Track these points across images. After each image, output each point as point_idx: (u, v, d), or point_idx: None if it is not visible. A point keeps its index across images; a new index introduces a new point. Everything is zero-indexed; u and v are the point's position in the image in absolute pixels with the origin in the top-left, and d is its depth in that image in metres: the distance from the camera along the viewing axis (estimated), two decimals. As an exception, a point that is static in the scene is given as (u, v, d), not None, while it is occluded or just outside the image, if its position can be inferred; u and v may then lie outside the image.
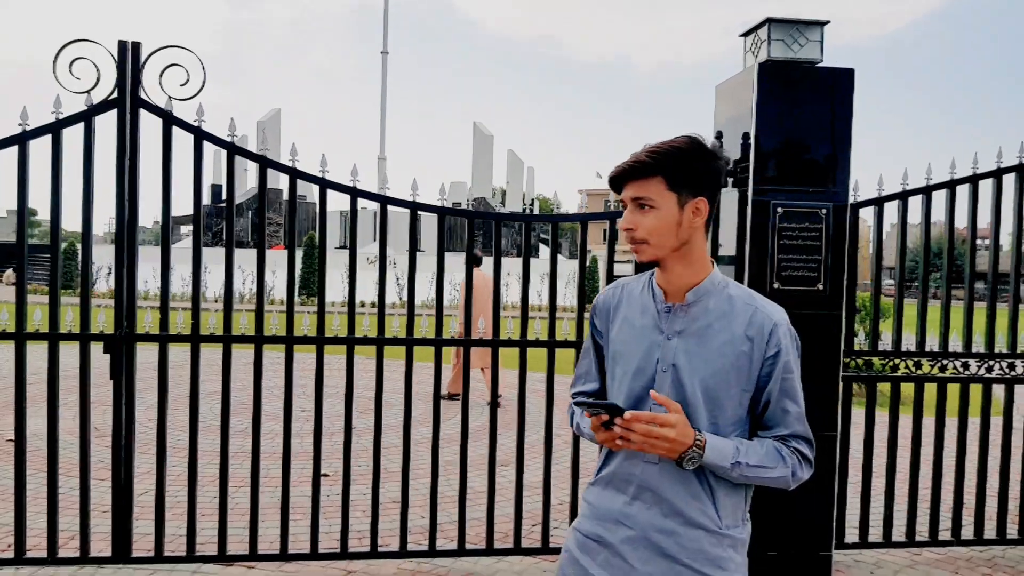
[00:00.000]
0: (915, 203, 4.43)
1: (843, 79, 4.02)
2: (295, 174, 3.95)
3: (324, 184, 3.96)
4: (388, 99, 41.73)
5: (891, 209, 4.43)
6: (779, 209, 4.02)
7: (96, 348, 3.91)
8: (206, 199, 29.78)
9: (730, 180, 4.22)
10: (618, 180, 1.76)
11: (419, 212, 4.05)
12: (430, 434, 4.19)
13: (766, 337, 1.73)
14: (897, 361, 4.44)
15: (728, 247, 4.26)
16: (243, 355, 4.54)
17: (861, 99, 4.12)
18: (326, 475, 4.90)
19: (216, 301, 19.36)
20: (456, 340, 4.19)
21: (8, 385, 3.92)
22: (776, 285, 4.04)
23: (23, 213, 3.86)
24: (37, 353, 3.99)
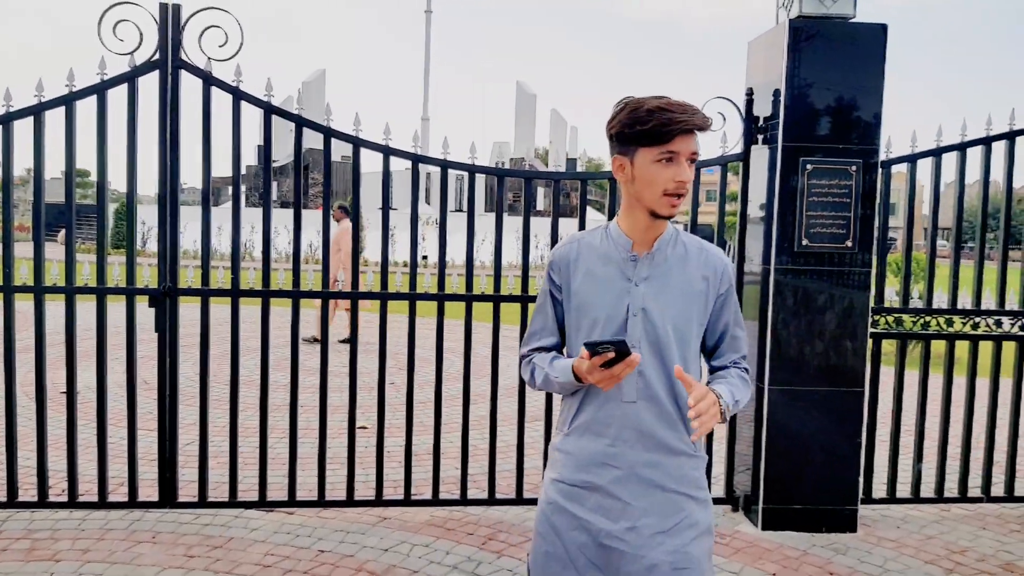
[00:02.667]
0: (950, 161, 4.39)
1: (875, 35, 3.99)
2: (329, 133, 4.05)
3: (357, 143, 4.05)
4: (433, 60, 41.63)
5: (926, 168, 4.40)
6: (808, 166, 4.03)
7: (141, 304, 4.07)
8: (252, 159, 29.84)
9: (760, 137, 4.23)
10: (676, 133, 1.77)
11: (449, 170, 4.13)
12: (460, 390, 4.30)
13: (719, 276, 1.93)
14: (928, 318, 4.43)
15: (757, 206, 4.28)
16: (280, 312, 4.66)
17: (895, 58, 4.07)
18: (364, 427, 5.04)
19: (258, 260, 19.71)
20: (488, 296, 4.27)
21: (60, 341, 4.10)
22: (804, 242, 4.06)
23: (71, 174, 4.01)
24: (85, 309, 4.17)
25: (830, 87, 3.99)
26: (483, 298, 4.21)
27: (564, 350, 2.03)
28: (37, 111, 3.89)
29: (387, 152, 4.05)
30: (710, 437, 4.35)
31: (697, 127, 1.78)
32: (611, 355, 1.71)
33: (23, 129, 3.90)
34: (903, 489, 4.60)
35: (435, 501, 4.24)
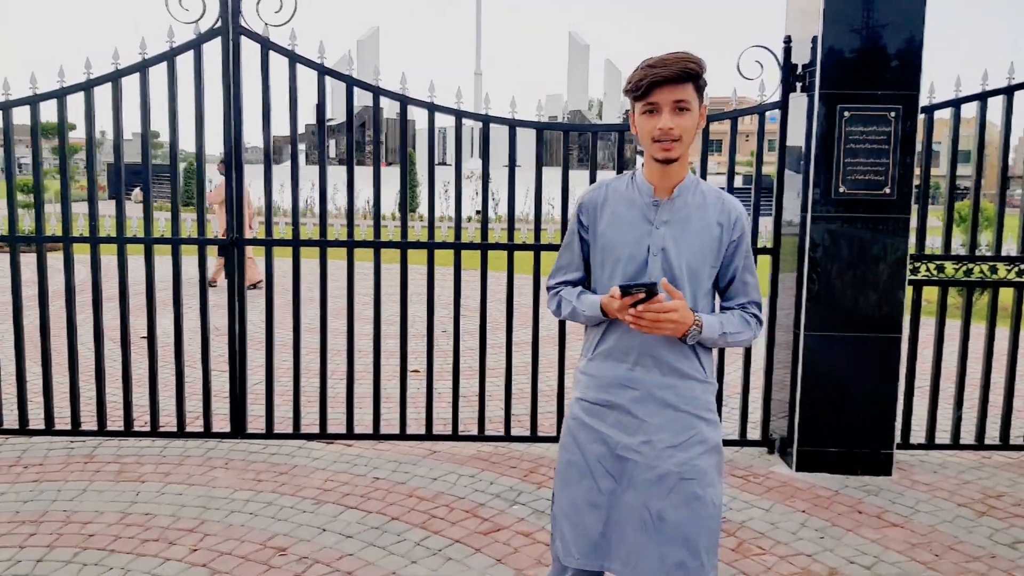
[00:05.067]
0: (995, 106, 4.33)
1: (916, -23, 3.95)
2: (378, 92, 4.29)
3: (404, 100, 4.28)
4: (485, 12, 41.36)
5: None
6: (846, 113, 4.05)
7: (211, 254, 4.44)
8: (311, 119, 30.66)
9: (799, 85, 4.26)
10: (653, 85, 1.93)
11: (493, 124, 4.32)
12: (503, 338, 4.55)
13: (733, 222, 2.08)
14: (971, 266, 4.42)
15: (795, 153, 4.33)
16: (338, 265, 4.95)
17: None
18: (416, 371, 5.35)
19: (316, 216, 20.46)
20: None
21: (140, 291, 4.51)
22: (841, 190, 4.11)
23: (146, 135, 4.37)
24: (159, 263, 4.56)
25: (868, 33, 3.98)
26: (525, 247, 4.41)
27: (589, 284, 2.24)
28: (114, 78, 4.26)
29: (432, 109, 4.27)
30: (721, 371, 4.49)
31: (669, 78, 1.93)
32: (641, 296, 1.92)
33: (101, 94, 4.28)
34: (943, 436, 4.64)
35: (481, 437, 4.53)
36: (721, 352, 4.50)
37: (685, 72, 1.94)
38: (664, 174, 2.05)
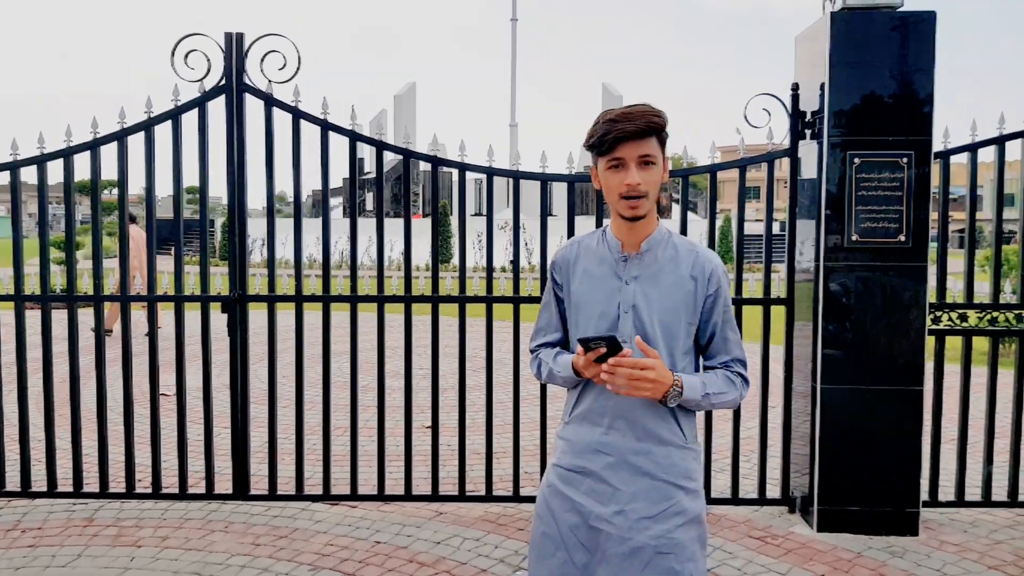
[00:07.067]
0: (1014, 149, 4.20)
1: (924, 24, 3.88)
2: (381, 146, 4.27)
3: (407, 154, 4.26)
4: (518, 66, 41.37)
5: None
6: (856, 160, 3.96)
7: (215, 310, 4.40)
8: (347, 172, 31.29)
9: (808, 133, 4.18)
10: (616, 141, 1.89)
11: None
12: (511, 392, 4.43)
13: (707, 276, 2.00)
14: (996, 314, 4.25)
15: (807, 202, 4.22)
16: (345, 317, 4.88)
17: (952, 42, 3.94)
18: (429, 427, 5.24)
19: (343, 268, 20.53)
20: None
21: (144, 351, 4.47)
22: (854, 238, 3.99)
23: (151, 191, 4.38)
24: (166, 318, 4.54)
25: (877, 79, 3.90)
26: (531, 300, 4.33)
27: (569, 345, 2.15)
28: (120, 136, 4.28)
29: (435, 162, 4.25)
30: (737, 425, 4.32)
31: (633, 134, 1.87)
32: (603, 350, 1.84)
33: (108, 153, 4.30)
34: (974, 493, 4.41)
35: (488, 497, 4.38)
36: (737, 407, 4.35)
37: (650, 126, 1.89)
38: (631, 229, 1.99)
